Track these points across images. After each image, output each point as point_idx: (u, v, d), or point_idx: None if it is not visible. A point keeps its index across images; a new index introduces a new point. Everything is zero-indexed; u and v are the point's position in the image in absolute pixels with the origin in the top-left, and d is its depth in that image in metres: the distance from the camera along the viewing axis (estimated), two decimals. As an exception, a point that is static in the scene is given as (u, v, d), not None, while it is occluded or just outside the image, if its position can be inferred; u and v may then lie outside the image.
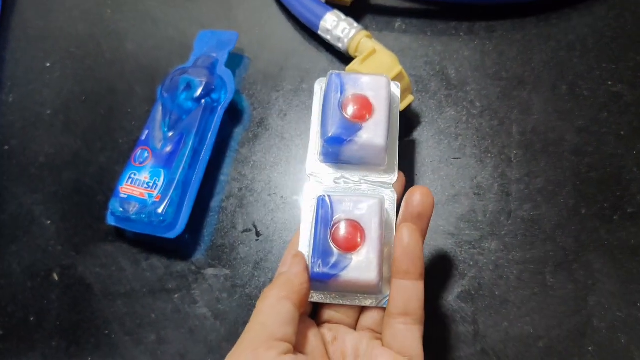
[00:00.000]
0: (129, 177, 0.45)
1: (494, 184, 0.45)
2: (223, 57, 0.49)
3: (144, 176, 0.45)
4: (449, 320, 0.41)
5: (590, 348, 0.40)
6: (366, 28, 0.50)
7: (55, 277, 0.47)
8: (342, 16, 0.48)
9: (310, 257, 0.37)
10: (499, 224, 0.43)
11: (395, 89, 0.42)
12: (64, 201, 0.49)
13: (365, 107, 0.38)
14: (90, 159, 0.50)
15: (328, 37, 0.49)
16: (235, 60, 0.51)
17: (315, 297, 0.37)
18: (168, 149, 0.46)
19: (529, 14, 0.50)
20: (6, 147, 0.52)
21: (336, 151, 0.39)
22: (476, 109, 0.47)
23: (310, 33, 0.51)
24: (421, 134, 0.47)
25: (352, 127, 0.38)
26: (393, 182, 0.39)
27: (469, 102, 0.47)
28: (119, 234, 0.47)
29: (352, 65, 0.45)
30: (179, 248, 0.46)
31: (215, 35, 0.51)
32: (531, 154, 0.45)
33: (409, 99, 0.45)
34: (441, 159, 0.46)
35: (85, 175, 0.50)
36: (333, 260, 0.36)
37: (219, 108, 0.47)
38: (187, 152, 0.45)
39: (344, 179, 0.40)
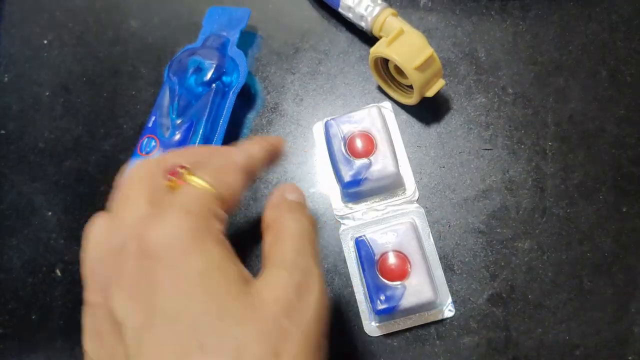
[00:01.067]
0: None
1: (528, 178, 0.41)
2: (234, 36, 0.45)
3: None
4: (479, 326, 0.39)
5: (630, 358, 0.37)
6: (390, 5, 0.46)
7: (58, 272, 0.44)
8: (365, -8, 0.45)
9: (366, 297, 0.39)
10: (532, 222, 0.40)
11: (387, 108, 0.45)
12: (65, 191, 0.46)
13: (368, 143, 0.42)
14: (93, 146, 0.47)
15: (350, 15, 0.45)
16: (247, 40, 0.48)
17: (385, 329, 0.40)
18: (177, 137, 0.42)
19: (567, -9, 0.46)
20: (3, 132, 0.48)
21: (355, 191, 0.42)
22: (508, 96, 0.44)
23: (329, 10, 0.47)
24: (449, 123, 0.44)
25: (362, 165, 0.41)
26: (416, 198, 0.42)
27: (500, 88, 0.44)
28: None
29: (378, 47, 0.41)
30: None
31: (226, 12, 0.47)
32: (568, 146, 0.42)
33: (440, 83, 0.42)
34: (470, 150, 0.43)
35: (88, 164, 0.46)
36: (390, 293, 0.38)
37: (231, 92, 0.44)
38: (198, 140, 0.42)
39: (372, 210, 0.42)
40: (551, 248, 0.40)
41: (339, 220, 0.42)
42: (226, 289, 0.26)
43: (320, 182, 0.44)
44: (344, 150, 0.41)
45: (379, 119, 0.42)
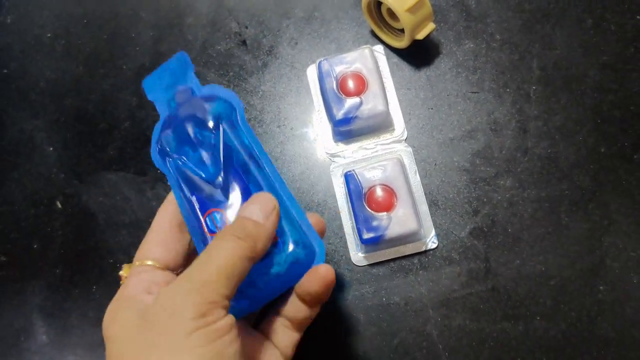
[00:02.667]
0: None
1: (512, 120, 0.43)
2: (193, 79, 0.39)
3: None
4: (460, 257, 0.41)
5: (601, 287, 0.39)
6: (383, -47, 0.47)
7: (59, 205, 0.46)
8: (359, -61, 0.46)
9: (354, 228, 0.41)
10: (515, 161, 0.42)
11: (379, 52, 0.46)
12: (65, 128, 0.47)
13: (360, 82, 0.43)
14: (92, 86, 0.48)
15: (344, -39, 0.46)
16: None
17: (371, 259, 0.41)
18: (234, 193, 0.35)
19: (557, -59, 0.47)
20: (5, 71, 0.50)
21: (346, 129, 0.43)
22: (496, 42, 0.45)
23: (324, -44, 0.49)
24: (438, 67, 0.45)
25: (353, 104, 0.42)
26: (404, 138, 0.44)
27: (488, 34, 0.45)
28: (123, 164, 0.46)
29: (369, -10, 0.43)
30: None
31: (163, 70, 0.40)
32: (551, 90, 0.43)
33: (430, 26, 0.43)
34: (458, 93, 0.44)
35: (88, 102, 0.48)
36: (376, 223, 0.40)
37: (239, 121, 0.37)
38: (260, 169, 0.36)
39: (362, 149, 0.44)
40: (531, 185, 0.41)
41: (330, 158, 0.44)
42: (124, 327, 0.30)
43: (312, 122, 0.45)
44: (335, 89, 0.43)
45: (370, 60, 0.43)
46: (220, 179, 0.35)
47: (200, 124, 0.36)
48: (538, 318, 0.39)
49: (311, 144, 0.45)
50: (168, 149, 0.37)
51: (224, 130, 0.36)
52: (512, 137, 0.43)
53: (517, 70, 0.44)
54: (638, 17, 0.44)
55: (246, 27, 0.48)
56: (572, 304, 0.39)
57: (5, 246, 0.45)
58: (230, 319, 0.29)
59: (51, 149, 0.47)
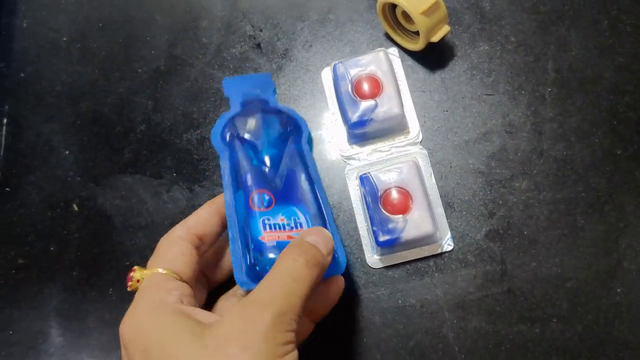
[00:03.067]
0: (264, 224, 0.37)
1: (527, 122, 0.43)
2: (271, 96, 0.45)
3: (280, 218, 0.38)
4: (476, 259, 0.41)
5: (618, 290, 0.39)
6: (397, -44, 0.47)
7: (75, 207, 0.46)
8: (373, -58, 0.46)
9: (369, 231, 0.41)
10: (530, 163, 0.42)
11: (394, 55, 0.46)
12: (82, 131, 0.48)
13: (374, 85, 0.43)
14: (108, 89, 0.48)
15: (358, -36, 0.46)
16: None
17: (387, 261, 0.42)
18: (283, 187, 0.40)
19: (571, -57, 0.47)
20: (22, 75, 0.50)
21: (361, 132, 0.43)
22: (511, 44, 0.45)
23: (338, -41, 0.49)
24: (453, 69, 0.45)
25: (368, 107, 0.42)
26: (419, 140, 0.44)
27: (503, 36, 0.45)
28: (139, 166, 0.46)
29: (384, -7, 0.43)
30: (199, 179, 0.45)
31: (245, 79, 0.46)
32: (567, 92, 0.43)
33: (445, 29, 0.43)
34: (473, 95, 0.44)
35: (104, 106, 0.48)
36: (392, 226, 0.40)
37: (302, 143, 0.43)
38: (310, 182, 0.40)
39: (377, 151, 0.44)
40: (547, 187, 0.41)
41: (345, 160, 0.44)
42: (179, 342, 0.29)
43: (327, 125, 0.45)
44: (350, 92, 0.43)
45: (385, 62, 0.43)
46: (278, 181, 0.40)
47: (276, 128, 0.42)
48: (554, 320, 0.39)
49: (326, 146, 0.45)
50: (240, 131, 0.42)
51: (292, 141, 0.42)
52: (527, 139, 0.43)
53: (532, 72, 0.44)
54: (654, 18, 0.44)
55: (261, 30, 0.48)
56: (588, 306, 0.39)
57: (22, 249, 0.46)
58: (296, 351, 0.30)
59: (67, 152, 0.47)
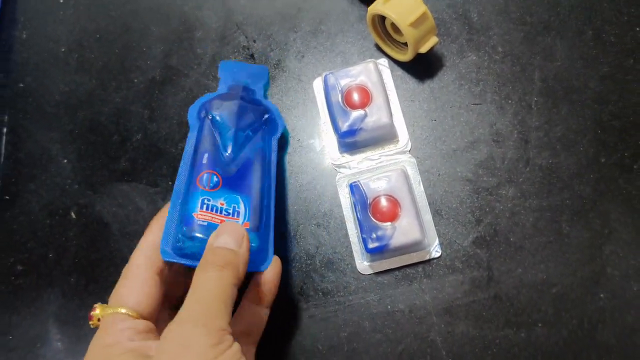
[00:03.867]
0: (203, 203, 0.38)
1: (514, 131, 0.44)
2: (260, 89, 0.46)
3: (220, 202, 0.39)
4: (463, 266, 0.42)
5: (602, 295, 0.40)
6: (387, -33, 0.48)
7: (73, 215, 0.47)
8: (364, -46, 0.47)
9: (359, 238, 0.42)
10: (516, 171, 0.43)
11: (384, 65, 0.47)
12: (79, 140, 0.49)
13: (364, 95, 0.44)
14: (105, 98, 0.50)
15: (348, -24, 0.47)
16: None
17: (376, 267, 0.43)
18: (233, 171, 0.41)
19: (557, -45, 0.48)
20: (21, 85, 0.51)
21: (351, 141, 0.44)
22: (498, 54, 0.46)
23: (330, -29, 0.50)
24: (441, 79, 0.46)
25: (358, 116, 0.43)
26: (408, 149, 0.45)
27: (490, 47, 0.46)
28: (136, 175, 0.47)
29: (375, 5, 0.44)
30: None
31: (243, 67, 0.47)
32: (552, 101, 0.44)
33: (433, 40, 0.44)
34: (461, 105, 0.45)
35: (101, 115, 0.49)
36: (381, 233, 0.41)
37: (272, 139, 0.43)
38: (264, 178, 0.41)
39: (367, 159, 0.45)
40: (533, 195, 0.42)
41: (336, 169, 0.45)
42: None
43: (318, 134, 0.46)
44: (341, 102, 0.44)
45: (375, 73, 0.44)
46: (233, 167, 0.40)
47: (250, 117, 0.42)
48: (540, 325, 0.40)
49: (317, 155, 0.46)
50: (214, 112, 0.42)
51: (262, 135, 0.42)
52: (514, 147, 0.44)
53: (519, 81, 0.45)
54: (637, 28, 0.45)
55: (254, 41, 0.49)
56: (573, 312, 0.40)
57: (22, 255, 0.47)
58: (237, 343, 0.31)
59: (66, 160, 0.49)
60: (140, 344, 0.34)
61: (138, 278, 0.36)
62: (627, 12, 0.46)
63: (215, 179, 0.40)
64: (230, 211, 0.39)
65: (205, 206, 0.38)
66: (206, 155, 0.40)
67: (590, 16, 0.46)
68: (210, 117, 0.42)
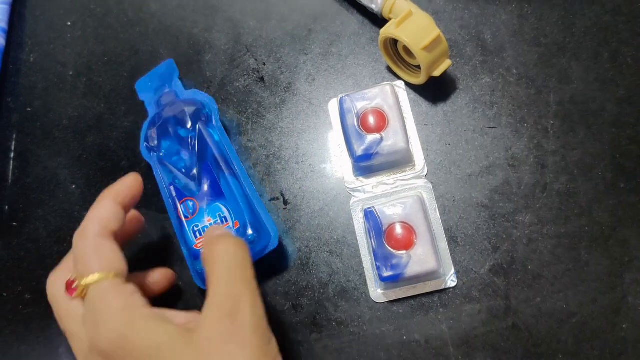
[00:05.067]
0: (194, 232, 0.42)
1: (530, 155, 0.43)
2: (177, 84, 0.47)
3: (207, 219, 0.42)
4: (480, 294, 0.41)
5: (624, 325, 0.39)
6: (399, -12, 0.47)
7: (82, 242, 0.46)
8: (375, -24, 0.46)
9: (373, 265, 0.41)
10: (533, 197, 0.42)
11: (400, 87, 0.46)
12: (88, 166, 0.48)
13: (380, 119, 0.43)
14: (114, 123, 0.49)
15: (360, -2, 0.47)
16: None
17: (391, 296, 0.42)
18: (206, 185, 0.43)
19: (572, -25, 0.47)
20: (29, 109, 0.51)
21: (367, 165, 0.44)
22: (513, 77, 0.45)
23: (342, -9, 0.49)
24: (455, 102, 0.45)
25: (373, 140, 0.43)
26: (424, 174, 0.44)
27: (505, 69, 0.46)
28: (145, 200, 0.46)
29: (387, 28, 0.43)
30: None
31: (153, 75, 0.48)
32: (569, 124, 0.43)
33: (446, 63, 0.43)
34: (475, 128, 0.44)
35: (110, 140, 0.49)
36: (395, 262, 0.40)
37: (213, 121, 0.45)
38: (228, 175, 0.43)
39: (382, 184, 0.44)
40: (551, 222, 0.42)
41: (350, 193, 0.44)
42: (172, 347, 0.31)
43: (332, 157, 0.46)
44: (356, 126, 0.43)
45: (391, 96, 0.44)
46: (195, 172, 0.42)
47: (181, 123, 0.43)
48: (560, 356, 0.39)
49: (330, 179, 0.45)
50: (152, 144, 0.44)
51: (199, 129, 0.43)
52: (530, 172, 0.43)
53: (534, 104, 0.44)
54: (655, 50, 0.44)
55: (264, 64, 0.49)
56: (594, 342, 0.39)
57: (30, 284, 0.46)
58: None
59: (74, 186, 0.48)
60: (163, 312, 0.33)
61: (104, 246, 0.35)
62: (644, 33, 0.45)
63: (190, 203, 0.42)
64: (219, 221, 0.41)
65: (197, 233, 0.42)
66: (172, 189, 0.43)
67: (606, 37, 0.45)
68: (153, 149, 0.44)
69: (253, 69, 0.49)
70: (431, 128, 0.45)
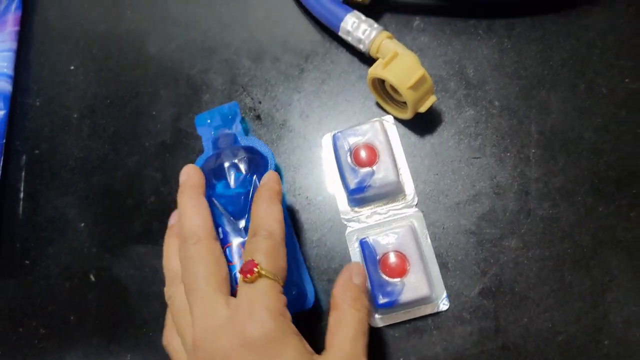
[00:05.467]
0: (236, 278, 0.40)
1: (514, 183, 0.46)
2: (238, 128, 0.46)
3: None
4: (471, 317, 0.43)
5: (606, 342, 0.42)
6: (385, 27, 0.50)
7: (92, 278, 0.49)
8: (362, 17, 0.49)
9: (369, 294, 0.43)
10: (518, 223, 0.45)
11: (389, 122, 0.49)
12: (95, 205, 0.51)
13: (372, 154, 0.46)
14: (118, 163, 0.52)
15: (349, 39, 0.49)
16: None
17: (387, 320, 0.44)
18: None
19: (548, 11, 0.50)
20: (37, 151, 0.53)
21: (360, 197, 0.46)
22: (495, 108, 0.48)
23: (331, 33, 0.52)
24: (441, 134, 0.48)
25: (366, 174, 0.45)
26: (415, 203, 0.47)
27: (487, 101, 0.48)
28: (151, 237, 0.49)
29: (375, 69, 0.46)
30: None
31: (214, 113, 0.47)
32: (550, 152, 0.46)
33: (431, 99, 0.46)
34: (461, 159, 0.47)
35: (114, 179, 0.51)
36: (390, 289, 0.43)
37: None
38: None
39: (375, 214, 0.47)
40: (535, 246, 0.44)
41: (345, 223, 0.47)
42: None
43: (327, 189, 0.48)
44: (349, 160, 0.46)
45: (381, 131, 0.46)
46: (244, 221, 0.42)
47: (239, 169, 0.45)
48: (548, 374, 0.41)
49: (326, 211, 0.48)
50: (211, 178, 0.44)
51: (254, 180, 0.43)
52: (514, 199, 0.45)
53: (517, 134, 0.47)
54: (627, 80, 0.47)
55: (260, 102, 0.51)
56: (579, 359, 0.41)
57: (44, 319, 0.48)
58: None
59: (82, 224, 0.50)
60: (296, 330, 0.36)
61: (282, 251, 0.38)
62: (617, 64, 0.47)
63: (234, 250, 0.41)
64: None
65: (236, 279, 0.40)
66: (220, 230, 0.42)
67: (582, 69, 0.48)
68: (207, 187, 0.43)
69: (249, 107, 0.52)
70: (420, 160, 0.48)
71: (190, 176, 0.42)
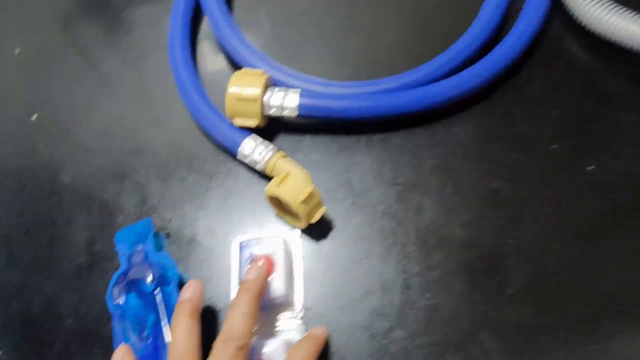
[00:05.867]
0: None
1: (398, 278, 0.52)
2: (150, 245, 0.51)
3: None
4: (369, 407, 0.48)
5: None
6: (280, 146, 0.57)
7: (11, 406, 0.50)
8: (259, 139, 0.55)
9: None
10: (404, 314, 0.50)
11: (293, 238, 0.54)
12: (14, 332, 0.53)
13: (268, 265, 0.50)
14: (35, 289, 0.54)
15: (247, 161, 0.55)
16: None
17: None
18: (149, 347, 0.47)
19: (417, 124, 0.58)
20: (-47, 284, 0.55)
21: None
22: (378, 213, 0.55)
23: (232, 154, 0.58)
24: (333, 240, 0.54)
25: None
26: (301, 316, 0.51)
27: (371, 207, 0.55)
28: (69, 357, 0.51)
29: (270, 187, 0.52)
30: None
31: (130, 229, 0.53)
32: (426, 249, 0.53)
33: (321, 210, 0.52)
34: (353, 261, 0.53)
35: (32, 305, 0.54)
36: None
37: (171, 287, 0.49)
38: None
39: (264, 325, 0.50)
40: (420, 334, 0.50)
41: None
42: None
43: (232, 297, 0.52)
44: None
45: (282, 246, 0.51)
46: (144, 333, 0.47)
47: (143, 285, 0.48)
48: None
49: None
50: (115, 301, 0.49)
51: (157, 294, 0.48)
52: (399, 293, 0.51)
53: (398, 235, 0.54)
54: (486, 181, 0.55)
55: (169, 221, 0.56)
56: None
57: None
58: None
59: (1, 352, 0.52)
60: None
61: None
62: (477, 168, 0.55)
63: None
64: None
65: None
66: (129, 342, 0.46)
67: (448, 173, 0.56)
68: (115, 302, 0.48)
69: (159, 226, 0.56)
70: (315, 264, 0.53)
71: (193, 294, 0.47)
